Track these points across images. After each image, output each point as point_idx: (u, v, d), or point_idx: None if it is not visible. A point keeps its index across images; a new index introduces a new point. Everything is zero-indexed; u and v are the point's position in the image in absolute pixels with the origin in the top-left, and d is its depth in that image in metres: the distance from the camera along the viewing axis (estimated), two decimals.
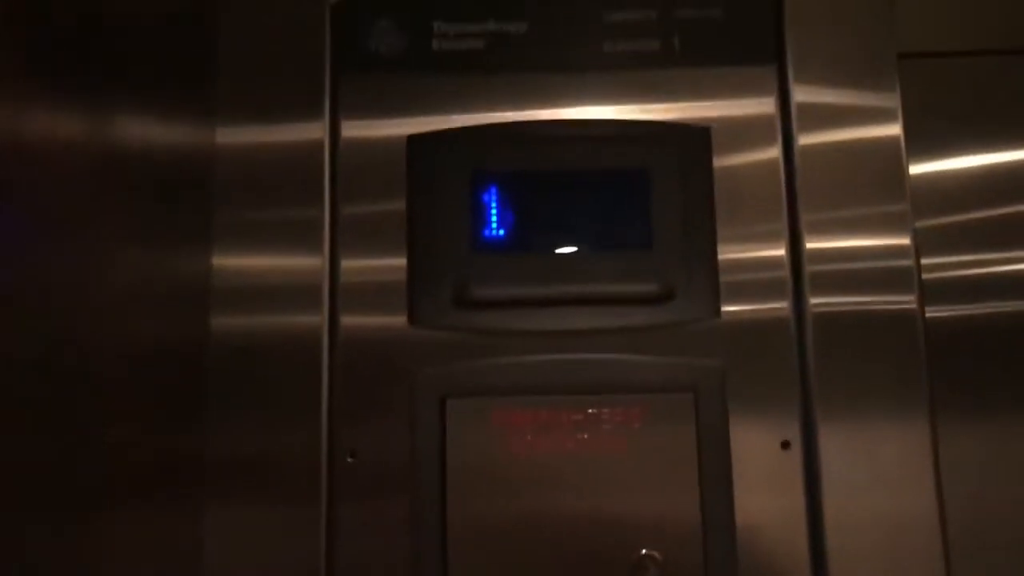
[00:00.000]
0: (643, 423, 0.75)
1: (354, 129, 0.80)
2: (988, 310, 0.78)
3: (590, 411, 0.75)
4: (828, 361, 0.75)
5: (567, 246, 0.79)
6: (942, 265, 0.79)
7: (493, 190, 0.80)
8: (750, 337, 0.76)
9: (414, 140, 0.80)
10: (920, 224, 0.78)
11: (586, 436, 0.75)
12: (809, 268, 0.77)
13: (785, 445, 0.75)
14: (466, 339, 0.77)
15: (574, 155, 0.80)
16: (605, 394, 0.75)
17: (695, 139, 0.80)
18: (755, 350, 0.76)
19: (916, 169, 0.79)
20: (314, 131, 0.80)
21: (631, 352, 0.76)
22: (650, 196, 0.79)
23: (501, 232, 0.79)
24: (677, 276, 0.77)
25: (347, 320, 0.77)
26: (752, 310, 0.77)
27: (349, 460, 0.75)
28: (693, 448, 0.74)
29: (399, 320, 0.77)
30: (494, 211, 0.79)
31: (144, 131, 0.69)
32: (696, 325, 0.77)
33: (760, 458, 0.75)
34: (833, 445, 0.75)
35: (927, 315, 0.77)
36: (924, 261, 0.77)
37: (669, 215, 0.79)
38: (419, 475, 0.74)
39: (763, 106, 0.81)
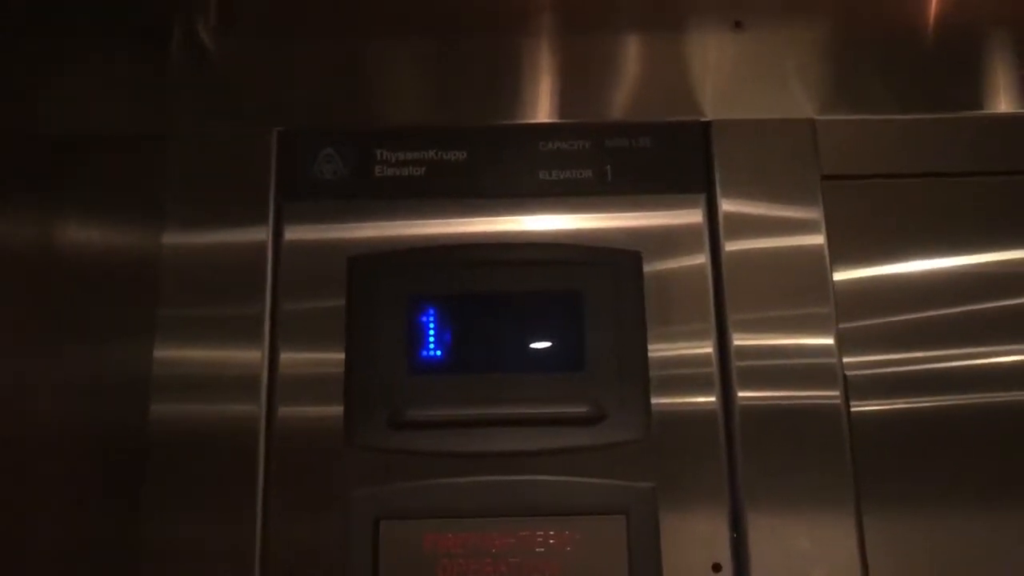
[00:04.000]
0: (575, 546, 0.75)
1: (297, 234, 0.83)
2: (912, 405, 0.81)
3: (522, 534, 0.75)
4: (756, 455, 0.77)
5: (501, 368, 0.80)
6: (866, 363, 0.82)
7: (429, 312, 0.81)
8: (680, 448, 0.78)
9: (354, 262, 0.82)
10: (844, 325, 0.81)
11: (518, 560, 0.74)
12: (736, 363, 0.80)
13: (716, 568, 0.75)
14: (401, 460, 0.77)
15: (509, 278, 0.82)
16: (537, 516, 0.76)
17: (627, 263, 0.83)
18: (685, 463, 0.77)
19: (840, 276, 0.83)
20: (258, 234, 0.82)
21: (564, 474, 0.77)
22: (583, 318, 0.81)
23: (437, 354, 0.80)
24: (609, 397, 0.79)
25: (285, 411, 0.78)
26: (681, 403, 0.79)
27: None
28: (625, 573, 0.74)
29: (336, 412, 0.78)
30: (430, 333, 0.81)
31: (91, 236, 0.72)
32: (628, 446, 0.78)
33: None
34: (764, 565, 0.75)
35: (852, 409, 0.79)
36: (847, 360, 0.81)
37: (602, 337, 0.81)
38: None
39: (691, 217, 0.84)
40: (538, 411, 0.78)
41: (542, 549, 0.75)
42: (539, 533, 0.75)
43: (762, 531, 0.76)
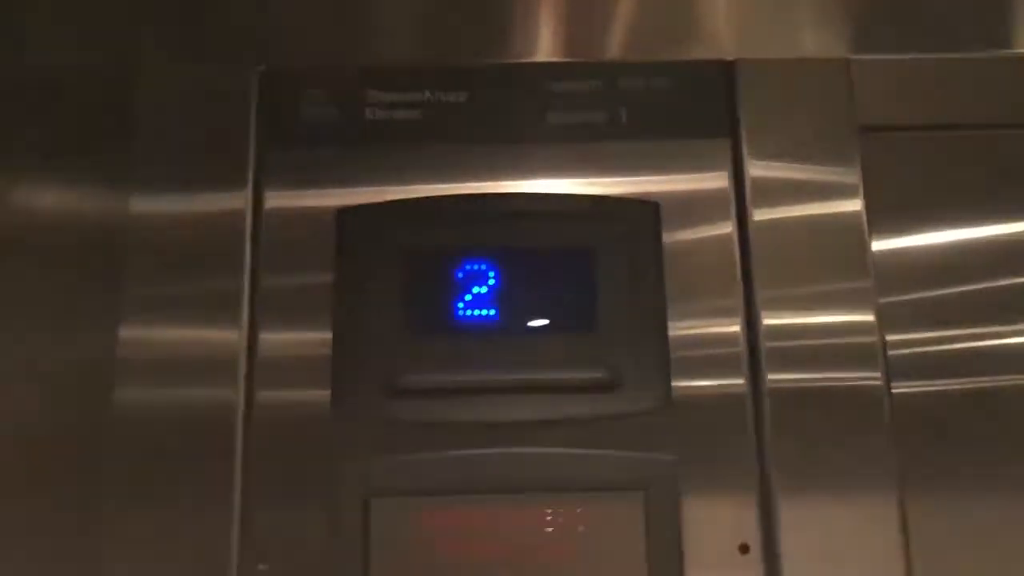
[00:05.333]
0: (587, 525, 0.68)
1: (279, 200, 0.75)
2: (955, 386, 0.75)
3: (529, 512, 0.68)
4: (787, 441, 0.70)
5: (506, 330, 0.73)
6: (908, 341, 0.75)
7: (427, 269, 0.74)
8: (704, 423, 0.71)
9: (344, 214, 0.74)
10: (884, 300, 0.74)
11: (525, 540, 0.68)
12: (766, 344, 0.72)
13: (744, 549, 0.68)
14: (395, 432, 0.70)
15: (515, 232, 0.75)
16: (546, 493, 0.69)
17: (643, 215, 0.75)
18: (710, 438, 0.71)
19: (880, 245, 0.76)
20: (236, 201, 0.75)
21: (574, 446, 0.70)
22: (596, 276, 0.74)
23: (435, 314, 0.73)
24: (624, 362, 0.72)
25: (264, 396, 0.71)
26: (706, 387, 0.72)
27: (260, 568, 0.67)
28: (643, 554, 0.67)
29: (321, 397, 0.71)
30: (428, 292, 0.74)
31: (48, 199, 0.65)
32: (645, 415, 0.71)
33: (717, 565, 0.68)
34: (797, 548, 0.68)
35: (893, 391, 0.73)
36: (889, 338, 0.74)
37: (616, 296, 0.73)
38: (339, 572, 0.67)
39: (716, 180, 0.77)
40: (546, 376, 0.71)
41: (551, 528, 0.68)
42: (548, 511, 0.68)
43: (794, 515, 0.69)
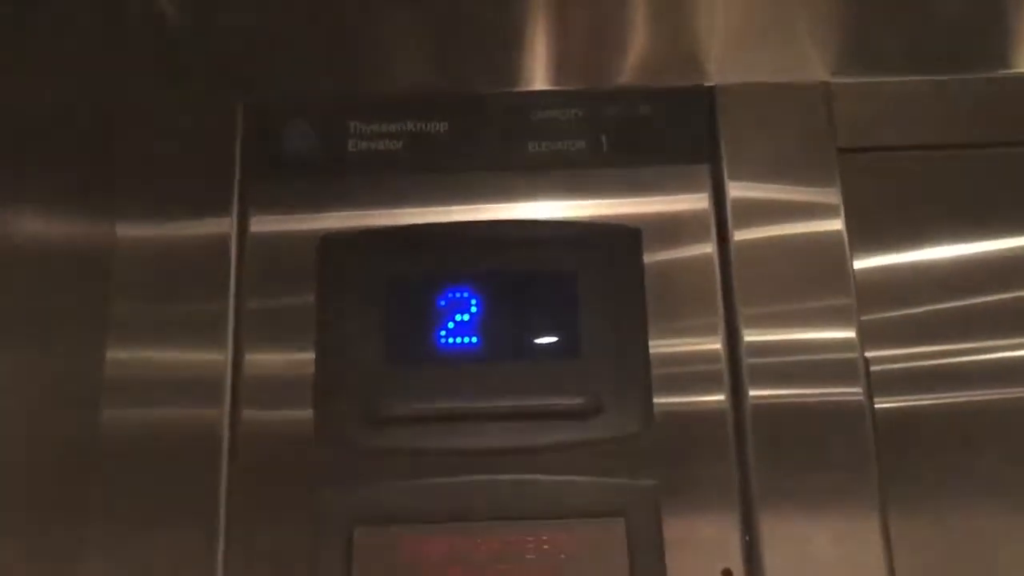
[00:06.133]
0: (568, 553, 0.68)
1: (264, 224, 0.76)
2: (937, 401, 0.75)
3: (511, 539, 0.68)
4: (770, 456, 0.70)
5: (488, 357, 0.73)
6: (890, 357, 0.75)
7: (410, 296, 0.75)
8: (686, 440, 0.71)
9: (328, 240, 0.75)
10: (866, 317, 0.75)
11: (508, 568, 0.67)
12: (748, 361, 0.72)
13: (727, 574, 0.68)
14: (377, 459, 0.70)
15: (497, 259, 0.76)
16: (528, 520, 0.69)
17: (625, 241, 0.76)
18: (691, 461, 0.71)
19: (862, 263, 0.76)
20: (221, 225, 0.75)
21: (557, 472, 0.70)
22: (577, 301, 0.74)
23: (418, 342, 0.74)
24: (606, 388, 0.72)
25: (250, 415, 0.71)
26: (687, 403, 0.72)
27: None
28: None
29: (306, 417, 0.71)
30: (411, 319, 0.74)
31: (35, 224, 0.65)
32: (627, 441, 0.71)
33: None
34: (779, 571, 0.68)
35: (876, 406, 0.73)
36: (870, 354, 0.74)
37: (598, 322, 0.74)
38: None
39: (696, 202, 0.77)
40: (529, 403, 0.71)
41: (532, 556, 0.68)
42: (529, 538, 0.68)
43: (777, 536, 0.69)
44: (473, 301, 0.75)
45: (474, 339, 0.74)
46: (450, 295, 0.75)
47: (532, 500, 0.70)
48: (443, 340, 0.74)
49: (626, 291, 0.74)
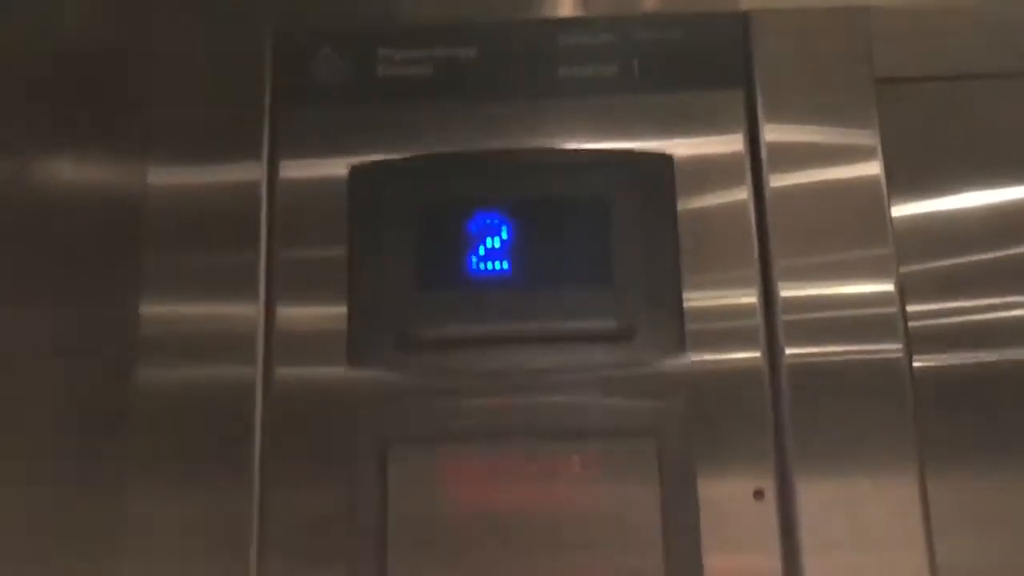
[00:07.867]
0: (601, 471, 0.68)
1: (294, 169, 0.75)
2: (978, 358, 0.73)
3: (543, 459, 0.69)
4: (806, 414, 0.69)
5: (520, 282, 0.73)
6: (929, 312, 0.73)
7: (441, 223, 0.74)
8: (719, 382, 0.70)
9: (357, 171, 0.75)
10: (904, 269, 0.72)
11: (539, 486, 0.68)
12: (783, 317, 0.71)
13: (758, 495, 0.68)
14: (411, 381, 0.71)
15: (528, 186, 0.75)
16: (560, 440, 0.69)
17: (657, 168, 0.75)
18: (724, 395, 0.70)
19: (900, 211, 0.74)
20: (251, 171, 0.75)
21: (588, 394, 0.70)
22: (610, 228, 0.74)
23: (450, 267, 0.74)
24: (638, 313, 0.72)
25: (283, 371, 0.71)
26: (721, 360, 0.71)
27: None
28: (656, 499, 0.67)
29: (338, 369, 0.71)
30: (442, 246, 0.74)
31: (67, 173, 0.65)
32: (659, 365, 0.71)
33: (731, 510, 0.68)
34: (812, 496, 0.68)
35: (915, 364, 0.71)
36: (910, 308, 0.72)
37: (630, 248, 0.73)
38: (357, 532, 0.68)
39: (730, 144, 0.75)
40: (561, 327, 0.71)
41: (564, 474, 0.68)
42: (562, 457, 0.69)
43: (813, 494, 0.68)
44: (504, 227, 0.75)
45: (505, 264, 0.74)
46: (481, 221, 0.75)
47: (564, 421, 0.70)
48: (475, 265, 0.74)
49: (659, 218, 0.74)
